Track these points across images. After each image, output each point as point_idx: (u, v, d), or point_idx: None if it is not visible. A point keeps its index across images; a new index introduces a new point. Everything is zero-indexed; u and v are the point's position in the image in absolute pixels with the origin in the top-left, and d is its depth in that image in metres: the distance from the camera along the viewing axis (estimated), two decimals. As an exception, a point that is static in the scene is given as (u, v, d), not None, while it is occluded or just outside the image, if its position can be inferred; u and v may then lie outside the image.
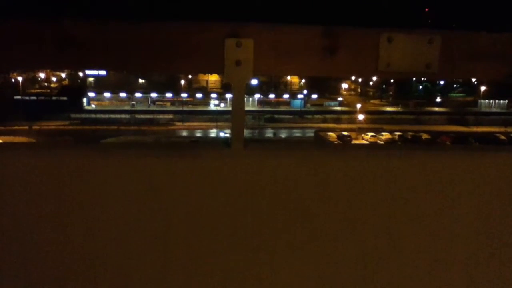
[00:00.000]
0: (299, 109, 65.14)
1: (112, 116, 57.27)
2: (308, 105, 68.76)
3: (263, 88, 68.92)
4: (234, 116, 1.32)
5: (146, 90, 69.11)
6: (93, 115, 57.34)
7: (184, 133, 53.34)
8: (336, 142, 39.10)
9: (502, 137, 41.65)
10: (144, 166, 1.27)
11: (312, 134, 50.13)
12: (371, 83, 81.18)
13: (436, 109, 68.68)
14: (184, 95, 67.24)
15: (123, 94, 66.92)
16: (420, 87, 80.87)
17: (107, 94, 66.92)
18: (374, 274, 1.41)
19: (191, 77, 71.04)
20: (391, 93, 79.39)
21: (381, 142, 42.26)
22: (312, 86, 71.78)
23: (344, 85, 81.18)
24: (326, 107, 68.40)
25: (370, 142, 43.33)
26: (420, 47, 1.31)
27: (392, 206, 1.37)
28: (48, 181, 1.24)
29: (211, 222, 1.31)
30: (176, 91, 68.38)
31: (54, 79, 76.50)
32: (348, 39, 1.29)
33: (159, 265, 1.32)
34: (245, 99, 1.34)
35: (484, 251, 1.43)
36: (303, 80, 73.29)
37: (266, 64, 1.29)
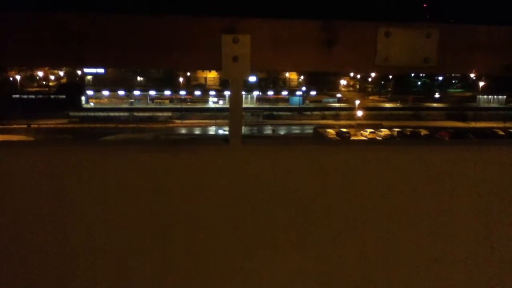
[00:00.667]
0: (297, 106, 65.11)
1: (111, 114, 57.19)
2: (307, 101, 68.73)
3: (261, 85, 68.84)
4: (232, 112, 1.32)
5: (144, 87, 69.00)
6: (91, 113, 57.24)
7: (183, 131, 53.27)
8: (335, 139, 39.11)
9: (501, 132, 41.66)
10: (142, 161, 1.27)
11: (311, 131, 50.15)
12: (369, 79, 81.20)
13: (435, 104, 68.69)
14: (182, 92, 67.13)
15: (121, 92, 66.79)
16: (419, 82, 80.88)
17: (105, 92, 66.78)
18: (374, 268, 1.41)
19: (190, 74, 70.96)
20: (389, 89, 79.39)
21: (380, 139, 42.24)
22: (310, 82, 71.75)
23: (343, 82, 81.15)
24: (324, 104, 68.38)
25: (369, 138, 43.30)
26: (418, 41, 1.31)
27: (391, 200, 1.37)
28: (47, 178, 1.24)
29: (210, 217, 1.31)
30: (175, 88, 68.27)
31: (52, 77, 76.38)
32: (346, 34, 1.29)
33: (159, 260, 1.32)
34: (244, 96, 1.34)
35: (483, 245, 1.44)
36: (302, 77, 73.22)
37: (264, 59, 1.28)
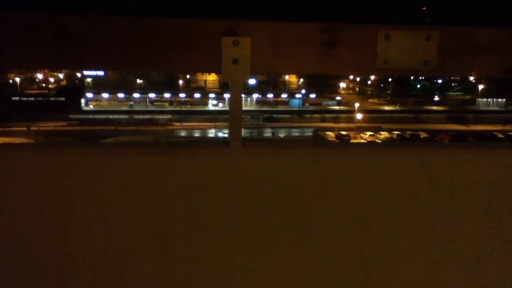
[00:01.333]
0: (297, 109, 65.16)
1: (111, 116, 57.21)
2: (307, 104, 68.77)
3: (261, 88, 68.92)
4: (232, 115, 1.31)
5: (144, 90, 69.09)
6: (91, 116, 57.25)
7: (183, 133, 53.29)
8: (334, 141, 39.14)
9: (500, 135, 41.71)
10: (142, 164, 1.27)
11: (310, 134, 50.17)
12: (369, 82, 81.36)
13: (435, 107, 68.81)
14: (182, 95, 67.22)
15: (121, 95, 66.85)
16: (418, 85, 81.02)
17: (105, 95, 66.83)
18: (373, 270, 1.41)
19: (190, 77, 71.09)
20: (389, 91, 79.50)
21: (380, 141, 42.26)
22: (310, 85, 71.88)
23: (343, 84, 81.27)
24: (324, 106, 68.40)
25: (368, 141, 43.33)
26: (418, 43, 1.31)
27: (391, 203, 1.37)
28: (47, 180, 1.24)
29: (210, 219, 1.31)
30: (175, 91, 68.36)
31: (52, 79, 76.46)
32: (346, 36, 1.28)
33: (158, 263, 1.32)
34: (244, 98, 1.34)
35: (483, 247, 1.43)
36: (302, 79, 73.34)
37: (264, 62, 1.28)
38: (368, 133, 46.46)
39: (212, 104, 65.99)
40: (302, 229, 1.35)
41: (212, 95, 67.29)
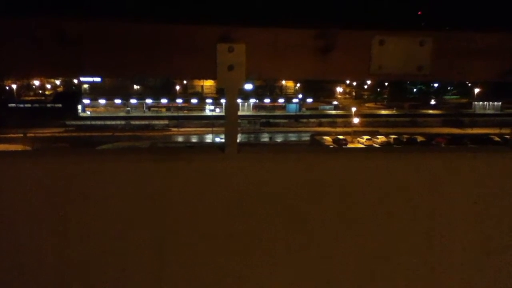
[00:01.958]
0: (294, 113, 65.24)
1: (108, 122, 57.15)
2: (304, 109, 68.89)
3: (258, 93, 68.95)
4: (228, 121, 1.32)
5: (141, 96, 69.01)
6: (88, 122, 57.16)
7: (180, 139, 53.24)
8: (331, 146, 39.16)
9: (497, 139, 41.76)
10: (139, 171, 1.28)
11: (308, 138, 50.21)
12: (365, 86, 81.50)
13: (431, 111, 68.99)
14: (179, 100, 67.21)
15: (118, 100, 66.80)
16: (415, 89, 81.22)
17: (102, 101, 66.76)
18: (370, 274, 1.41)
19: (186, 83, 71.04)
20: (385, 96, 79.70)
21: (377, 145, 42.31)
22: (307, 89, 71.96)
23: (339, 89, 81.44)
24: (321, 111, 68.55)
25: (365, 145, 43.35)
26: (412, 49, 1.32)
27: (388, 208, 1.37)
28: (43, 187, 1.24)
29: (206, 225, 1.31)
30: (172, 96, 68.31)
31: (48, 86, 76.35)
32: (341, 42, 1.29)
33: (155, 269, 1.32)
34: (241, 104, 1.35)
35: (479, 252, 1.44)
36: (298, 84, 73.42)
37: (259, 67, 1.29)
38: (365, 137, 46.48)
39: (209, 110, 65.99)
40: (299, 234, 1.36)
41: (209, 101, 67.30)
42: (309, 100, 71.16)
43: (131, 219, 1.28)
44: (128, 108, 65.61)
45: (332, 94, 79.22)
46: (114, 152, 1.39)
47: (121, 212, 1.28)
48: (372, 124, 56.77)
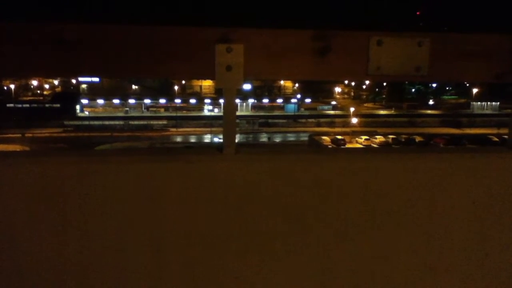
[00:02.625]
0: (293, 113, 65.27)
1: (106, 122, 57.09)
2: (302, 109, 68.96)
3: (257, 93, 68.99)
4: (226, 121, 1.32)
5: (139, 96, 69.04)
6: (86, 122, 57.09)
7: (178, 139, 53.20)
8: (330, 146, 39.19)
9: (495, 139, 41.82)
10: (137, 171, 1.28)
11: (306, 138, 50.20)
12: (364, 86, 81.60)
13: (429, 111, 69.10)
14: (178, 100, 67.22)
15: (116, 101, 66.79)
16: (413, 89, 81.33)
17: (100, 101, 66.77)
18: (369, 275, 1.42)
19: (185, 83, 71.06)
20: (384, 96, 79.79)
21: (375, 145, 42.32)
22: (305, 90, 72.05)
23: (338, 89, 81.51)
24: (319, 111, 68.62)
25: (364, 145, 43.39)
26: (409, 49, 1.32)
27: (386, 208, 1.38)
28: (42, 188, 1.24)
29: (204, 226, 1.31)
30: (170, 96, 68.33)
31: (47, 86, 76.30)
32: (339, 43, 1.30)
33: (153, 269, 1.32)
34: (239, 104, 1.35)
35: (478, 252, 1.44)
36: (297, 84, 73.52)
37: (257, 68, 1.30)
38: (364, 137, 46.53)
39: (207, 110, 65.99)
40: (297, 234, 1.36)
41: (207, 101, 67.30)
42: (308, 100, 71.25)
43: (129, 219, 1.28)
44: (127, 108, 65.59)
45: (330, 94, 79.33)
46: (112, 152, 1.39)
47: (120, 212, 1.28)
48: (371, 124, 56.84)
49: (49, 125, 52.97)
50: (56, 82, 75.92)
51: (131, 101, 66.99)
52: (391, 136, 46.63)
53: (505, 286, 1.48)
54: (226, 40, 1.24)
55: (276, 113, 66.20)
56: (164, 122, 58.57)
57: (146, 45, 1.24)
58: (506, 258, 1.46)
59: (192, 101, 67.98)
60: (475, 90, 69.33)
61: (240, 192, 1.30)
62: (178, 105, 66.22)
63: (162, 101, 67.63)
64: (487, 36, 1.36)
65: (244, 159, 1.33)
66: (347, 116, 58.94)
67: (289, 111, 66.68)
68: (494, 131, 48.93)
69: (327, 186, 1.34)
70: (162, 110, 66.75)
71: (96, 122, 57.07)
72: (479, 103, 71.95)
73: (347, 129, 51.87)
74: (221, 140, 1.36)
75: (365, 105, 76.00)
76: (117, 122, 57.58)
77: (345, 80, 1.45)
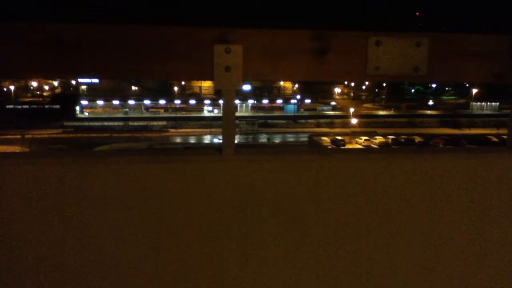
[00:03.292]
0: (292, 114, 65.24)
1: (105, 123, 57.06)
2: (302, 109, 68.93)
3: (256, 94, 68.98)
4: (225, 122, 1.32)
5: (139, 97, 69.02)
6: (86, 123, 57.05)
7: (178, 140, 53.16)
8: (329, 146, 39.19)
9: (494, 139, 41.83)
10: (136, 172, 1.28)
11: (306, 139, 50.17)
12: (363, 87, 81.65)
13: (429, 112, 69.11)
14: (177, 101, 67.18)
15: (116, 101, 66.74)
16: (412, 90, 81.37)
17: (100, 102, 66.72)
18: (367, 276, 1.42)
19: (185, 83, 71.06)
20: (383, 96, 79.81)
21: (375, 146, 42.31)
22: (305, 90, 72.06)
23: (337, 89, 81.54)
24: (319, 112, 68.61)
25: (363, 146, 43.37)
26: (408, 50, 1.32)
27: (385, 209, 1.38)
28: (41, 188, 1.24)
29: (203, 226, 1.32)
30: (170, 97, 68.32)
31: (46, 87, 76.27)
32: (337, 43, 1.30)
33: (152, 270, 1.32)
34: (239, 104, 1.35)
35: (477, 252, 1.45)
36: (296, 85, 73.53)
37: (256, 69, 1.30)
38: (363, 137, 46.51)
39: (207, 110, 65.96)
40: (296, 234, 1.36)
41: (207, 102, 67.28)
42: (307, 101, 71.24)
43: (128, 219, 1.29)
44: (126, 109, 65.56)
45: (330, 95, 79.35)
46: (111, 153, 1.39)
47: (119, 213, 1.28)
48: (370, 124, 56.85)
49: (49, 126, 52.91)
50: (55, 83, 75.93)
51: (131, 102, 66.95)
52: (390, 137, 46.60)
53: (504, 286, 1.48)
54: (224, 40, 1.24)
55: (276, 113, 66.16)
56: (164, 123, 58.52)
57: (145, 46, 1.24)
58: (505, 257, 1.46)
59: (192, 102, 67.94)
60: (474, 91, 69.34)
61: (240, 192, 1.30)
62: (177, 106, 66.20)
63: (162, 102, 67.59)
64: (486, 36, 1.36)
65: (244, 159, 1.33)
66: (346, 116, 58.96)
67: (289, 112, 66.65)
68: (494, 131, 48.96)
69: (327, 186, 1.34)
70: (162, 111, 66.72)
71: (95, 123, 57.01)
72: (478, 103, 72.00)
73: (347, 130, 51.84)
74: (221, 141, 1.36)
75: (365, 105, 76.08)
76: (116, 123, 57.54)
77: (344, 80, 1.46)
